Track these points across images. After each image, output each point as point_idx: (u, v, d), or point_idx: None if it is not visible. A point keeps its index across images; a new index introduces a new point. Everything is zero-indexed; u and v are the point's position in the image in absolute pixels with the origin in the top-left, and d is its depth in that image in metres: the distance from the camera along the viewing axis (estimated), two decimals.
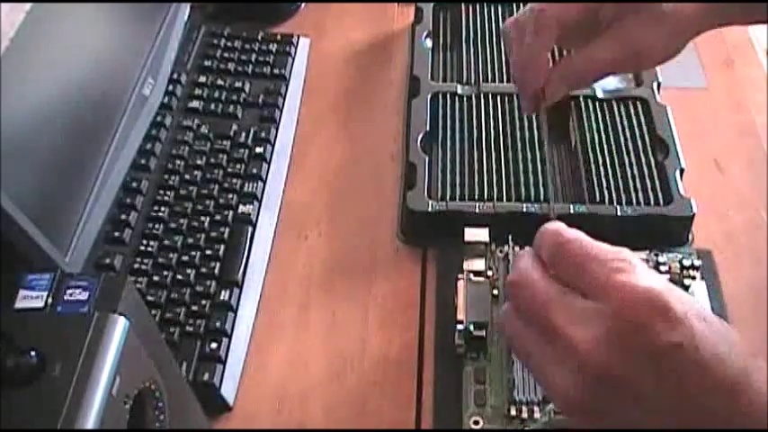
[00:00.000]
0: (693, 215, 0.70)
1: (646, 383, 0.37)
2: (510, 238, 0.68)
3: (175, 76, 0.83)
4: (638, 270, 0.38)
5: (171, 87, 0.82)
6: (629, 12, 0.53)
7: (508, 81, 0.82)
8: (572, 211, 0.70)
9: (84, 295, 0.43)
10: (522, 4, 0.90)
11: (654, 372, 0.37)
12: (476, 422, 0.59)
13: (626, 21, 0.53)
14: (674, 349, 0.37)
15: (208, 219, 0.72)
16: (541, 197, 0.71)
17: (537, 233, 0.44)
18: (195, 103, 0.81)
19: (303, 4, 0.96)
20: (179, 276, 0.67)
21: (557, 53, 0.70)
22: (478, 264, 0.66)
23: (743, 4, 0.55)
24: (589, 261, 0.39)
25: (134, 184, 0.73)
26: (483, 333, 0.62)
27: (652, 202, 0.71)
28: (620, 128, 0.77)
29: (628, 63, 0.55)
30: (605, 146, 0.75)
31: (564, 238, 0.41)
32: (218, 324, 0.64)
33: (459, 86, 0.81)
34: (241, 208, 0.73)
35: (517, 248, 0.68)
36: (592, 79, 0.56)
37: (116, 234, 0.69)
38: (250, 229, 0.72)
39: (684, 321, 0.37)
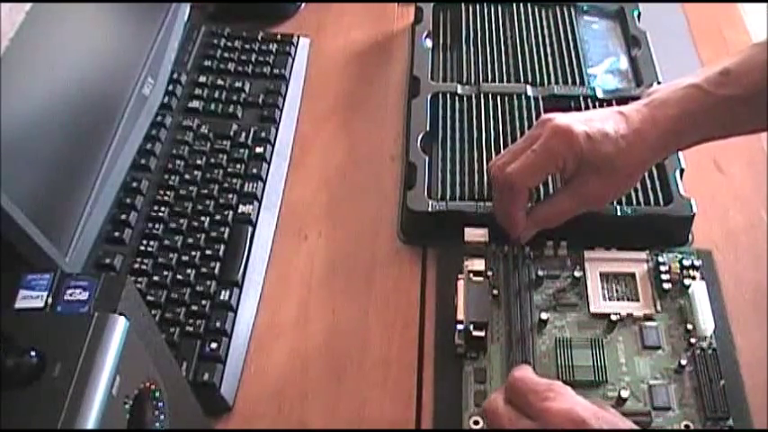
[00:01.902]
0: (693, 215, 0.70)
1: None
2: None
3: (175, 76, 0.83)
4: (563, 397, 0.51)
5: (171, 87, 0.82)
6: (587, 171, 0.64)
7: (508, 81, 0.82)
8: None
9: (84, 295, 0.43)
10: (521, 5, 0.90)
11: None
12: (476, 422, 0.60)
13: (583, 177, 0.65)
14: None
15: (208, 219, 0.72)
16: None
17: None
18: (195, 103, 0.81)
19: (303, 4, 0.96)
20: (179, 276, 0.67)
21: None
22: (478, 264, 0.66)
23: (685, 131, 0.65)
24: (529, 393, 0.52)
25: (134, 184, 0.73)
26: (483, 333, 0.62)
27: (652, 202, 0.71)
28: None
29: (584, 208, 0.67)
30: None
31: (514, 378, 0.53)
32: (218, 324, 0.64)
33: (459, 86, 0.81)
34: (241, 208, 0.73)
35: (517, 248, 0.68)
36: (555, 223, 0.67)
37: (116, 234, 0.69)
38: (250, 229, 0.72)
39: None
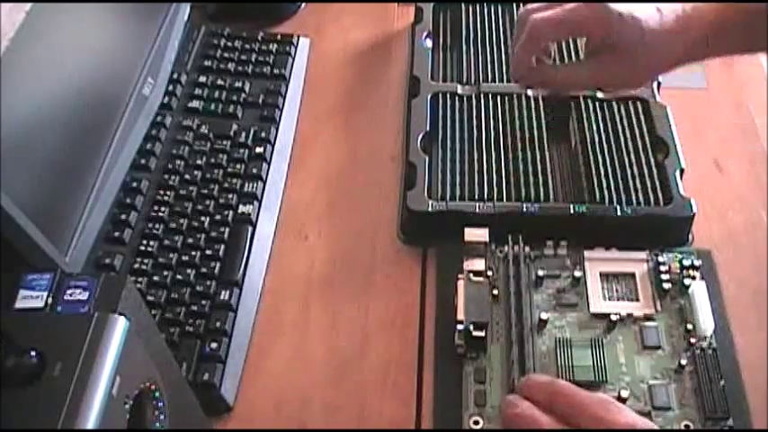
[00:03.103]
0: (693, 215, 0.70)
1: None
2: (510, 238, 0.69)
3: (175, 76, 0.83)
4: (623, 411, 0.50)
5: (171, 87, 0.82)
6: (609, 50, 0.65)
7: (508, 81, 0.82)
8: (572, 212, 0.70)
9: (84, 295, 0.43)
10: (521, 5, 0.90)
11: None
12: (476, 422, 0.60)
13: (604, 56, 0.65)
14: None
15: (208, 219, 0.72)
16: (541, 197, 0.71)
17: (523, 382, 0.55)
18: (195, 103, 0.81)
19: (303, 4, 0.96)
20: (179, 276, 0.67)
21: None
22: (478, 264, 0.66)
23: (714, 42, 0.65)
24: (586, 402, 0.50)
25: (134, 184, 0.73)
26: (483, 333, 0.62)
27: (652, 202, 0.71)
28: (620, 128, 0.77)
29: (595, 85, 0.69)
30: (605, 146, 0.75)
31: (558, 386, 0.52)
32: (218, 324, 0.64)
33: (459, 86, 0.81)
34: (241, 208, 0.73)
35: (517, 248, 0.68)
36: (562, 87, 0.70)
37: (116, 234, 0.69)
38: (250, 229, 0.72)
39: None
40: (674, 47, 0.64)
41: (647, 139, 0.76)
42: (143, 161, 0.75)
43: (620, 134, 0.76)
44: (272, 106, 0.82)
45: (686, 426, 0.59)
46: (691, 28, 0.64)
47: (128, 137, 0.73)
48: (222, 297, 0.66)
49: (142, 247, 0.69)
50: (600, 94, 0.79)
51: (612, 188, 0.72)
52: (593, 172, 0.73)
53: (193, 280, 0.67)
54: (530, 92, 0.80)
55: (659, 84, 0.80)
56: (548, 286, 0.67)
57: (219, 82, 0.84)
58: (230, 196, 0.74)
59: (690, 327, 0.64)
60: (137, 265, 0.68)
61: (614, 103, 0.78)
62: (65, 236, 0.63)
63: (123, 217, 0.70)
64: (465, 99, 0.80)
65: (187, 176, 0.75)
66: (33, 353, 0.40)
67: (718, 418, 0.59)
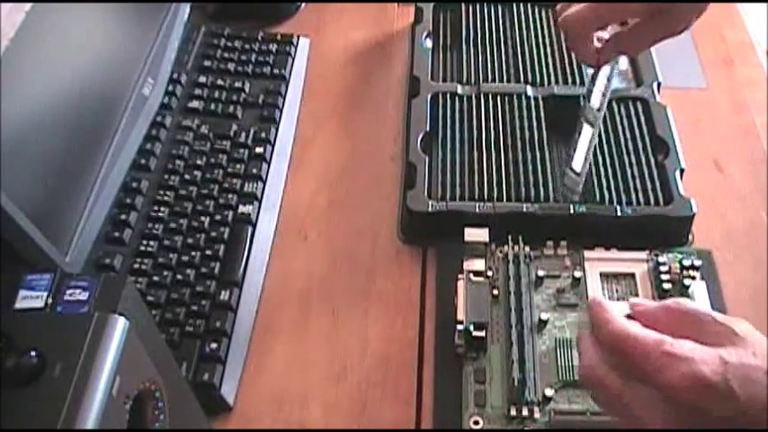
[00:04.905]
0: (693, 215, 0.70)
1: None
2: (510, 238, 0.69)
3: (175, 76, 0.83)
4: (679, 359, 0.44)
5: (171, 87, 0.82)
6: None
7: (508, 81, 0.82)
8: (572, 211, 0.70)
9: (84, 295, 0.43)
10: (521, 5, 0.90)
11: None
12: (476, 422, 0.60)
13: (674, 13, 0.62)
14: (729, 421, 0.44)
15: (208, 219, 0.72)
16: (541, 197, 0.71)
17: (599, 322, 0.50)
18: (195, 104, 0.81)
19: (303, 4, 0.96)
20: (179, 276, 0.67)
21: None
22: (478, 264, 0.66)
23: None
24: (639, 357, 0.46)
25: (134, 184, 0.73)
26: (483, 333, 0.62)
27: (652, 202, 0.71)
28: (620, 128, 0.77)
29: (667, 36, 0.63)
30: (605, 146, 0.75)
31: (614, 335, 0.48)
32: (218, 324, 0.64)
33: (459, 86, 0.81)
34: (241, 208, 0.73)
35: (517, 248, 0.68)
36: (638, 50, 0.67)
37: (116, 234, 0.69)
38: (250, 229, 0.72)
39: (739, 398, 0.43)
40: None
41: (647, 139, 0.76)
42: (143, 161, 0.75)
43: (621, 134, 0.76)
44: (272, 106, 0.82)
45: None
46: None
47: (128, 137, 0.73)
48: (222, 297, 0.66)
49: (142, 248, 0.69)
50: None
51: (612, 188, 0.72)
52: (593, 172, 0.73)
53: (193, 280, 0.67)
54: (530, 92, 0.80)
55: (659, 84, 0.80)
56: (548, 286, 0.67)
57: (219, 82, 0.84)
58: (230, 196, 0.74)
59: None
60: (137, 266, 0.68)
61: (614, 103, 0.78)
62: (65, 236, 0.63)
63: (123, 217, 0.70)
64: (465, 99, 0.80)
65: (187, 176, 0.75)
66: (33, 353, 0.40)
67: None
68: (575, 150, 0.59)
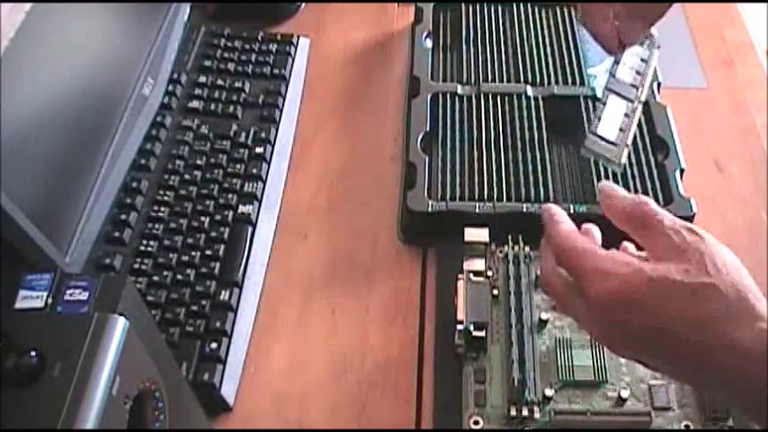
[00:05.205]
0: (693, 215, 0.70)
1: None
2: (510, 238, 0.69)
3: (175, 76, 0.83)
4: (603, 275, 0.46)
5: (171, 87, 0.82)
6: None
7: (508, 81, 0.82)
8: (572, 211, 0.70)
9: (84, 295, 0.43)
10: (521, 5, 0.90)
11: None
12: (476, 422, 0.59)
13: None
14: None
15: (208, 219, 0.72)
16: (541, 197, 0.71)
17: (549, 232, 0.51)
18: (195, 103, 0.81)
19: (303, 4, 0.96)
20: (179, 276, 0.67)
21: None
22: (478, 264, 0.66)
23: None
24: (570, 264, 0.48)
25: (134, 184, 0.73)
26: (483, 333, 0.62)
27: None
28: None
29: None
30: None
31: (552, 235, 0.50)
32: (218, 324, 0.64)
33: (459, 86, 0.81)
34: (241, 208, 0.73)
35: (517, 248, 0.68)
36: (650, 23, 0.62)
37: (116, 234, 0.69)
38: (250, 229, 0.72)
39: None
40: None
41: (647, 139, 0.76)
42: (143, 161, 0.75)
43: None
44: (272, 106, 0.82)
45: (686, 426, 0.59)
46: None
47: (128, 137, 0.73)
48: (222, 297, 0.66)
49: (142, 248, 0.69)
50: (600, 94, 0.79)
51: None
52: (593, 172, 0.73)
53: (193, 280, 0.67)
54: (530, 92, 0.80)
55: (659, 84, 0.80)
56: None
57: (219, 82, 0.84)
58: (230, 196, 0.74)
59: None
60: (137, 266, 0.68)
61: None
62: (65, 236, 0.63)
63: (123, 217, 0.70)
64: (465, 99, 0.80)
65: (187, 176, 0.75)
66: (33, 353, 0.40)
67: (717, 419, 0.59)
68: (599, 119, 0.59)
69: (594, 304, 0.46)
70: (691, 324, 0.44)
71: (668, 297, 0.44)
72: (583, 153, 0.56)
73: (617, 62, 0.63)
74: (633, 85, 0.61)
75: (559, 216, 0.51)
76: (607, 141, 0.58)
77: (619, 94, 0.61)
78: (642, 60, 0.62)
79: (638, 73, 0.62)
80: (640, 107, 0.60)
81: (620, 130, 0.59)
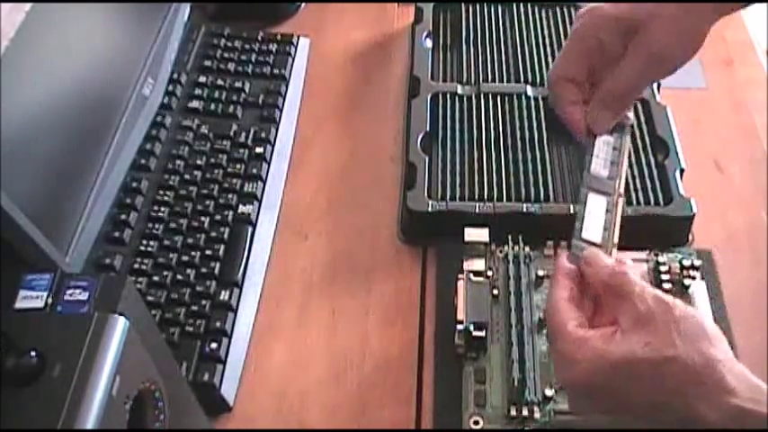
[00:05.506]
0: (693, 215, 0.70)
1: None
2: (510, 238, 0.69)
3: (175, 76, 0.83)
4: (572, 365, 0.47)
5: (171, 87, 0.82)
6: (641, 25, 0.55)
7: (508, 81, 0.82)
8: (572, 212, 0.70)
9: (84, 295, 0.43)
10: (521, 5, 0.90)
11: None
12: (476, 422, 0.59)
13: (641, 33, 0.55)
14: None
15: (208, 219, 0.72)
16: (541, 197, 0.71)
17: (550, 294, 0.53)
18: (195, 103, 0.81)
19: (303, 4, 0.96)
20: (179, 276, 0.67)
21: None
22: (478, 264, 0.66)
23: None
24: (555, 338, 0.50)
25: (134, 184, 0.73)
26: (483, 333, 0.62)
27: (652, 202, 0.71)
28: None
29: (652, 68, 0.57)
30: None
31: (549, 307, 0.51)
32: (218, 324, 0.64)
33: (459, 86, 0.81)
34: (241, 208, 0.73)
35: (517, 248, 0.68)
36: (623, 98, 0.58)
37: (116, 234, 0.69)
38: (250, 229, 0.72)
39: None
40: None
41: (647, 139, 0.76)
42: (143, 161, 0.75)
43: None
44: (272, 106, 0.82)
45: None
46: None
47: (128, 137, 0.73)
48: (222, 297, 0.66)
49: (142, 248, 0.69)
50: None
51: None
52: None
53: (193, 280, 0.67)
54: (530, 92, 0.80)
55: (659, 84, 0.80)
56: (548, 286, 0.67)
57: (219, 82, 0.84)
58: (230, 196, 0.74)
59: None
60: (137, 265, 0.68)
61: None
62: (65, 236, 0.63)
63: (123, 217, 0.70)
64: (465, 99, 0.80)
65: (187, 176, 0.75)
66: (33, 353, 0.40)
67: None
68: (581, 221, 0.58)
69: (564, 384, 0.50)
70: (655, 403, 0.45)
71: (632, 378, 0.45)
72: (571, 260, 0.56)
73: (591, 155, 0.61)
74: (610, 177, 0.61)
75: (562, 280, 0.52)
76: (593, 245, 0.58)
77: (597, 191, 0.61)
78: (614, 149, 0.61)
79: (612, 163, 0.61)
80: (621, 200, 0.60)
81: (604, 229, 0.59)
